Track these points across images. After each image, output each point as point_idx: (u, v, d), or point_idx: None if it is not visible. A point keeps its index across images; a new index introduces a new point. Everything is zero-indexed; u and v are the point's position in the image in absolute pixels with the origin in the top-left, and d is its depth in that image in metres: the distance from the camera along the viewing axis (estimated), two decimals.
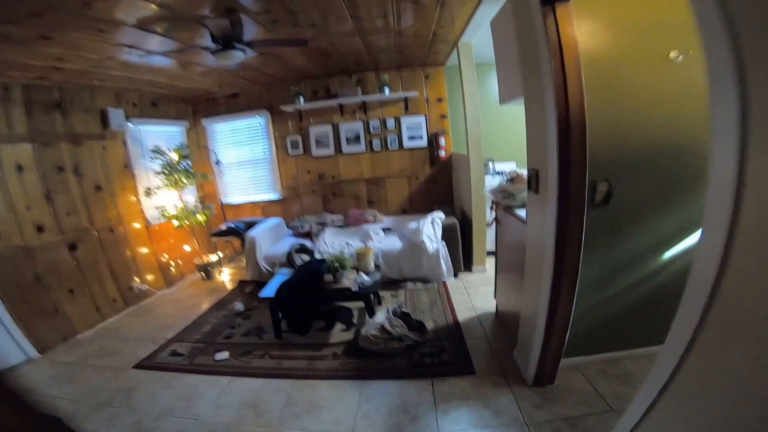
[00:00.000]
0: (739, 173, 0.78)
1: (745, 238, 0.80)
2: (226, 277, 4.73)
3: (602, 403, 1.99)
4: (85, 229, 3.70)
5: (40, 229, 3.31)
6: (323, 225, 4.80)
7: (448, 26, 3.31)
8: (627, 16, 1.77)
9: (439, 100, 4.96)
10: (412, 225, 4.16)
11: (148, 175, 4.39)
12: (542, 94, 1.63)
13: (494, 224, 2.94)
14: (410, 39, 3.65)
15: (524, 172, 2.84)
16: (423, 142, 5.02)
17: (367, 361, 2.67)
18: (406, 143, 5.04)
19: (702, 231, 0.94)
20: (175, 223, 4.34)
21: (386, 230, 4.52)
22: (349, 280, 3.16)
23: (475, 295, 3.64)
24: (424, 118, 4.98)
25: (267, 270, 4.20)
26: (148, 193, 4.22)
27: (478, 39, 3.64)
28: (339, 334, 3.11)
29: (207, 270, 4.66)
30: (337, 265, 3.10)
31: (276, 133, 5.18)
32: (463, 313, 3.27)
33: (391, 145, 5.05)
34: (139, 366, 2.90)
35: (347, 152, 5.14)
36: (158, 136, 4.67)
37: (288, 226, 4.99)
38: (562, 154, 1.56)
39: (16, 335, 3.03)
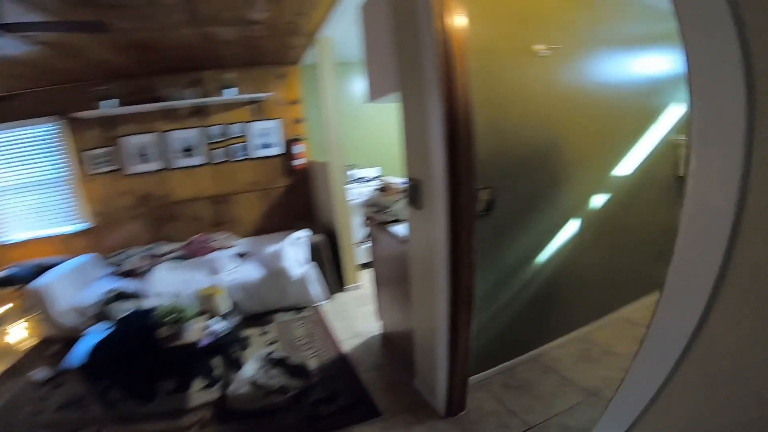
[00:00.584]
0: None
1: None
2: (19, 334, 3.29)
3: (518, 420, 1.89)
4: None
5: None
6: (156, 258, 3.78)
7: (308, 14, 2.86)
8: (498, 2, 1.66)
9: (294, 102, 4.48)
10: (271, 248, 3.61)
11: None
12: (423, 88, 1.39)
13: (368, 239, 2.67)
14: (262, 30, 3.09)
15: (394, 180, 2.65)
16: (276, 150, 4.48)
17: (248, 425, 2.10)
18: (257, 152, 4.42)
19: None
20: None
21: (242, 255, 3.82)
22: (195, 331, 2.44)
23: (355, 317, 3.32)
24: (277, 122, 4.43)
25: (78, 323, 3.03)
26: None
27: (339, 34, 3.34)
28: (200, 392, 2.42)
29: None
30: (172, 317, 2.33)
31: (75, 145, 3.87)
32: (347, 342, 2.92)
33: (236, 155, 4.34)
34: None
35: (180, 166, 4.21)
36: None
37: (107, 263, 3.77)
38: (452, 161, 1.34)
39: None
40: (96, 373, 2.21)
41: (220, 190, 4.35)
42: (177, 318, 2.32)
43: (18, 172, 3.86)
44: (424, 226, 1.64)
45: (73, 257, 3.60)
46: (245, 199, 4.44)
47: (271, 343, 2.96)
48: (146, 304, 3.06)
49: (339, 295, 3.76)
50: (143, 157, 4.09)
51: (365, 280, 3.92)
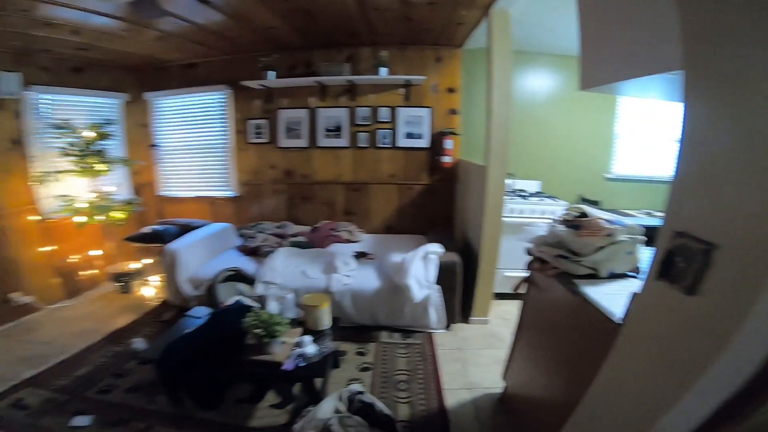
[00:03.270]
0: None
1: None
2: (150, 291, 3.64)
3: None
4: None
5: None
6: (281, 239, 3.65)
7: None
8: None
9: (451, 90, 3.73)
10: (396, 258, 2.99)
11: (48, 157, 3.30)
12: None
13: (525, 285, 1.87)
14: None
15: (595, 212, 1.69)
16: (423, 142, 3.81)
17: None
18: (402, 141, 3.84)
19: None
20: (80, 219, 3.25)
21: (362, 256, 3.33)
22: (284, 350, 2.01)
23: (473, 361, 2.57)
24: (428, 111, 3.76)
25: (192, 295, 3.09)
26: (44, 179, 3.14)
27: (517, 12, 2.53)
28: (268, 410, 2.11)
29: (124, 281, 3.59)
30: (262, 330, 1.93)
31: (238, 114, 4.03)
32: (454, 393, 2.24)
33: (382, 141, 3.85)
34: None
35: (325, 146, 3.97)
36: (79, 109, 3.58)
37: (239, 234, 3.86)
38: None
39: None
40: (171, 365, 2.01)
41: (357, 177, 3.96)
42: (268, 332, 1.93)
43: (190, 134, 4.22)
44: (690, 323, 0.74)
45: (214, 223, 3.76)
46: (381, 191, 3.95)
47: (364, 369, 2.47)
48: (256, 290, 2.90)
49: (460, 327, 3.00)
50: (293, 132, 4.00)
51: (498, 314, 3.11)
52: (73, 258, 3.49)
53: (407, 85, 3.73)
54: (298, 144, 4.01)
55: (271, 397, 2.18)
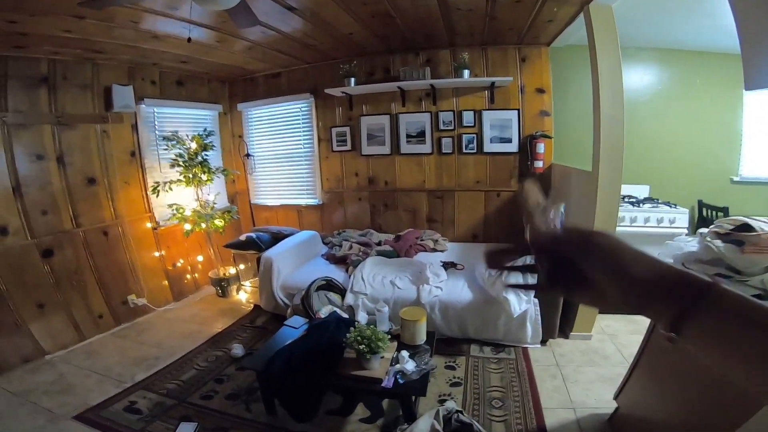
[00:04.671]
0: None
1: None
2: (244, 295, 3.82)
3: None
4: (66, 231, 2.96)
5: (2, 231, 2.61)
6: (366, 248, 3.65)
7: None
8: None
9: (540, 91, 3.51)
10: (492, 270, 2.82)
11: (160, 168, 3.59)
12: None
13: None
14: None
15: (756, 222, 1.48)
16: (512, 147, 3.62)
17: None
18: (488, 146, 3.68)
19: None
20: (186, 227, 3.49)
21: (450, 265, 3.22)
22: (383, 366, 1.97)
23: (575, 378, 2.37)
24: (515, 113, 3.57)
25: (284, 303, 3.18)
26: (156, 189, 3.41)
27: (621, 6, 2.30)
28: (359, 423, 2.07)
29: (222, 285, 3.80)
30: (364, 346, 1.91)
31: (320, 122, 4.12)
32: (554, 413, 2.08)
33: (466, 146, 3.72)
34: (81, 418, 2.15)
35: (407, 152, 3.92)
36: (182, 121, 3.87)
37: (324, 241, 3.93)
38: None
39: None
40: (273, 376, 2.05)
41: (440, 184, 3.86)
42: (371, 348, 1.90)
43: (277, 143, 4.39)
44: None
45: (302, 231, 3.86)
46: (466, 198, 3.81)
47: (455, 384, 2.36)
48: (347, 300, 2.91)
49: (557, 342, 2.79)
50: (375, 138, 4.00)
51: (601, 329, 2.88)
52: (180, 263, 3.76)
53: (491, 87, 3.57)
54: (380, 151, 4.00)
55: (360, 411, 2.15)
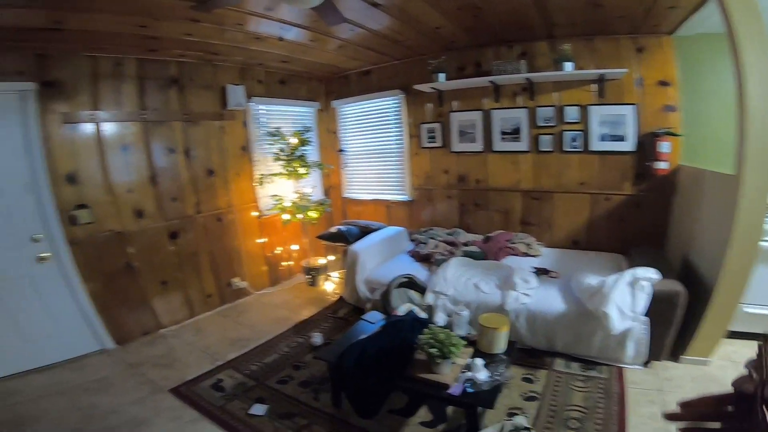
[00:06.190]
0: None
1: None
2: (331, 286, 3.99)
3: None
4: (190, 216, 3.37)
5: (139, 214, 3.04)
6: (452, 247, 3.55)
7: None
8: None
9: (664, 84, 3.05)
10: (592, 280, 2.58)
11: (265, 161, 3.89)
12: None
13: None
14: None
15: None
16: (627, 145, 3.22)
17: None
18: (596, 144, 3.33)
19: None
20: (285, 217, 3.75)
21: (541, 272, 3.00)
22: (453, 372, 1.89)
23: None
24: (632, 108, 3.17)
25: (366, 297, 3.24)
26: (261, 180, 3.71)
27: None
28: (419, 428, 2.04)
29: (312, 275, 4.01)
30: (436, 349, 1.84)
31: (411, 119, 4.10)
32: None
33: (569, 144, 3.41)
34: (176, 391, 2.42)
35: (501, 150, 3.72)
36: (284, 118, 4.14)
37: (411, 238, 3.93)
38: None
39: (94, 323, 2.83)
40: (340, 368, 2.09)
41: (538, 185, 3.60)
42: (442, 352, 1.84)
43: (368, 140, 4.49)
44: None
45: (389, 226, 3.90)
46: (567, 200, 3.50)
47: (530, 398, 2.20)
48: (427, 299, 2.87)
49: (664, 365, 2.43)
50: (467, 135, 3.87)
51: (724, 356, 2.45)
52: (278, 251, 4.06)
53: (600, 80, 3.20)
54: (472, 148, 3.86)
55: (422, 413, 2.10)
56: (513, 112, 3.61)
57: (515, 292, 2.70)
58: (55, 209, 2.62)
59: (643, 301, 2.37)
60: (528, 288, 2.76)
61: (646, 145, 3.12)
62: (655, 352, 2.40)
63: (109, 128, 2.85)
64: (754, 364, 0.44)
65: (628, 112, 3.20)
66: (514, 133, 3.64)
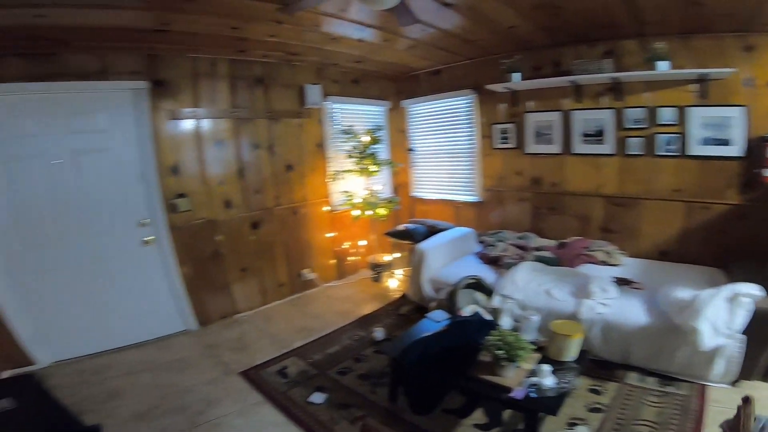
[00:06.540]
0: None
1: None
2: (395, 283, 4.03)
3: None
4: (269, 208, 3.59)
5: (228, 204, 3.28)
6: (522, 251, 3.44)
7: None
8: None
9: None
10: (683, 294, 2.38)
11: (338, 158, 4.02)
12: None
13: None
14: None
15: None
16: (733, 150, 2.91)
17: None
18: (695, 148, 3.04)
19: None
20: (355, 213, 3.85)
21: (622, 282, 2.80)
22: (517, 376, 1.83)
23: None
24: (740, 111, 2.86)
25: (430, 296, 3.23)
26: (334, 176, 3.84)
27: None
28: (473, 430, 2.01)
29: (377, 271, 4.08)
30: (502, 352, 1.80)
31: (483, 119, 4.02)
32: None
33: (663, 148, 3.15)
34: (244, 374, 2.57)
35: (581, 152, 3.53)
36: (356, 116, 4.25)
37: (479, 239, 3.86)
38: None
39: (183, 305, 3.09)
40: (401, 363, 2.10)
41: (623, 190, 3.36)
42: (509, 355, 1.80)
43: (439, 139, 4.47)
44: None
45: (457, 227, 3.86)
46: (657, 208, 3.23)
47: (595, 410, 2.08)
48: (493, 301, 2.80)
49: (755, 386, 2.19)
50: (543, 137, 3.72)
51: None
52: (346, 245, 4.18)
53: (701, 80, 2.91)
54: (548, 150, 3.69)
55: (478, 415, 2.06)
56: (596, 113, 3.40)
57: (591, 301, 2.56)
58: (161, 197, 2.90)
59: (741, 318, 2.17)
60: (606, 297, 2.61)
61: (756, 150, 2.80)
62: (747, 372, 2.19)
63: (206, 124, 3.10)
64: (731, 425, 0.39)
65: (734, 114, 2.89)
66: (597, 135, 3.44)
